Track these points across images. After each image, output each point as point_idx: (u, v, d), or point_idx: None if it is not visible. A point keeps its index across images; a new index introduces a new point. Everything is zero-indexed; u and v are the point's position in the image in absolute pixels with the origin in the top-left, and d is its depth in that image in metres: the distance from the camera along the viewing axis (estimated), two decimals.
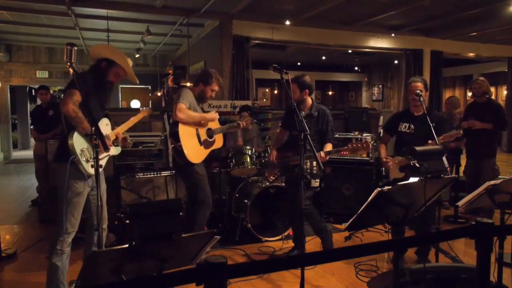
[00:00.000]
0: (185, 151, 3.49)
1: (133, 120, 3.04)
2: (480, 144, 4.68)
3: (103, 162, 2.78)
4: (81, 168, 2.60)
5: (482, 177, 4.64)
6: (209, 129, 3.68)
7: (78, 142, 2.60)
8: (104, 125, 2.81)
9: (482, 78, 4.87)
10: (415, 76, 3.64)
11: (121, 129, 2.94)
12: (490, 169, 4.71)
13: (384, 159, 3.57)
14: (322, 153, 3.36)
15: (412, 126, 3.52)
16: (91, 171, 2.64)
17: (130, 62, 2.94)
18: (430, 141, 3.21)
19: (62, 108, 2.56)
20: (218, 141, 3.72)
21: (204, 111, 3.74)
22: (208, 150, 3.66)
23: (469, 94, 12.48)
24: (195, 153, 3.57)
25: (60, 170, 2.64)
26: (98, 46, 2.98)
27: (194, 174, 3.60)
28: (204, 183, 3.64)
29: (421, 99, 3.36)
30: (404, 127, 3.59)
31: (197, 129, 3.60)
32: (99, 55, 2.86)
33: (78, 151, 2.58)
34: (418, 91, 3.39)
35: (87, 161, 2.63)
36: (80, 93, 2.54)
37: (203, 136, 3.64)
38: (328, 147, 3.49)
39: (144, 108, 3.26)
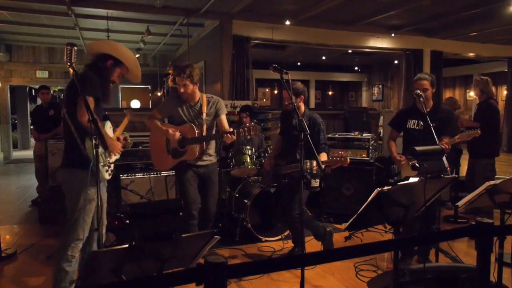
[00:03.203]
0: (151, 156, 3.56)
1: (124, 124, 2.92)
2: (474, 143, 4.69)
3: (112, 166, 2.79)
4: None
5: (475, 176, 4.68)
6: (183, 139, 3.31)
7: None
8: (108, 128, 2.77)
9: (482, 77, 4.88)
10: (422, 73, 3.57)
11: (119, 133, 2.86)
12: (482, 169, 4.72)
13: (398, 157, 3.50)
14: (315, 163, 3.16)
15: (421, 122, 3.48)
16: (106, 176, 2.70)
17: (135, 61, 2.78)
18: (445, 140, 3.20)
19: (81, 119, 2.45)
20: (190, 153, 3.28)
21: (195, 111, 3.38)
22: (176, 161, 3.35)
23: (471, 94, 12.53)
24: (159, 160, 3.49)
25: (71, 177, 2.58)
26: (102, 42, 2.82)
27: (177, 176, 3.52)
28: (184, 188, 3.38)
29: (421, 99, 3.35)
30: (412, 124, 3.54)
31: (167, 137, 3.38)
32: (102, 51, 2.70)
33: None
34: (418, 91, 3.38)
35: (103, 166, 2.66)
36: (93, 98, 2.49)
37: (173, 145, 3.34)
38: (323, 156, 3.36)
39: (126, 110, 3.05)
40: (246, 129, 3.03)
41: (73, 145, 2.56)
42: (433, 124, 3.13)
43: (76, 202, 2.56)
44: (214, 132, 3.52)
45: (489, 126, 4.65)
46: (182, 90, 3.27)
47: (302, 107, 3.57)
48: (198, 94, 3.39)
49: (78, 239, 2.61)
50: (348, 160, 3.12)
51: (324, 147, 3.48)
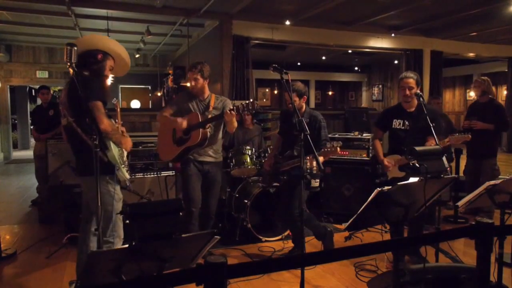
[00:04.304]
0: (158, 147, 3.78)
1: (119, 114, 3.02)
2: (481, 144, 4.66)
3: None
4: (120, 175, 2.68)
5: (482, 177, 4.65)
6: (188, 126, 3.45)
7: (115, 151, 2.62)
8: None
9: (484, 77, 4.88)
10: (407, 71, 3.55)
11: (120, 125, 2.89)
12: (490, 169, 4.71)
13: (386, 163, 3.48)
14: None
15: (407, 122, 3.47)
16: (127, 175, 2.76)
17: (122, 51, 2.80)
18: (430, 140, 3.20)
19: (103, 126, 2.47)
20: (193, 138, 3.40)
21: (203, 106, 3.55)
22: (180, 148, 3.46)
23: (471, 94, 12.53)
24: (163, 150, 3.64)
25: (94, 183, 2.50)
26: (85, 38, 2.80)
27: (182, 172, 3.60)
28: (187, 184, 3.50)
29: (421, 99, 3.34)
30: (398, 124, 3.52)
31: (174, 128, 3.51)
32: (87, 47, 2.68)
33: (118, 160, 2.63)
34: (419, 92, 3.38)
35: (124, 167, 2.72)
36: (102, 102, 2.51)
37: (179, 134, 3.48)
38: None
39: (114, 100, 3.15)
40: (245, 104, 3.17)
41: (87, 153, 2.47)
42: (418, 124, 3.11)
43: (108, 206, 2.64)
44: (220, 134, 3.64)
45: (500, 127, 4.67)
46: (193, 83, 3.48)
47: (304, 107, 3.58)
48: (207, 90, 3.58)
49: (122, 239, 2.70)
50: (339, 149, 3.13)
51: (325, 143, 3.45)
